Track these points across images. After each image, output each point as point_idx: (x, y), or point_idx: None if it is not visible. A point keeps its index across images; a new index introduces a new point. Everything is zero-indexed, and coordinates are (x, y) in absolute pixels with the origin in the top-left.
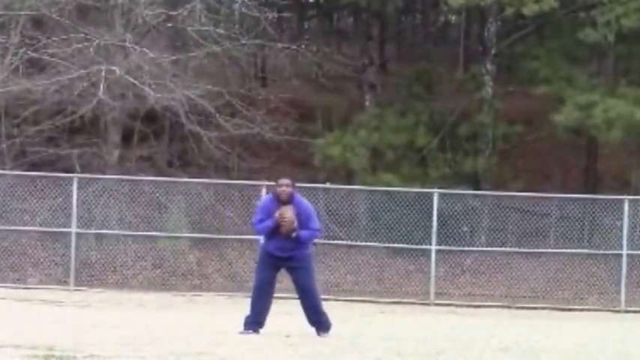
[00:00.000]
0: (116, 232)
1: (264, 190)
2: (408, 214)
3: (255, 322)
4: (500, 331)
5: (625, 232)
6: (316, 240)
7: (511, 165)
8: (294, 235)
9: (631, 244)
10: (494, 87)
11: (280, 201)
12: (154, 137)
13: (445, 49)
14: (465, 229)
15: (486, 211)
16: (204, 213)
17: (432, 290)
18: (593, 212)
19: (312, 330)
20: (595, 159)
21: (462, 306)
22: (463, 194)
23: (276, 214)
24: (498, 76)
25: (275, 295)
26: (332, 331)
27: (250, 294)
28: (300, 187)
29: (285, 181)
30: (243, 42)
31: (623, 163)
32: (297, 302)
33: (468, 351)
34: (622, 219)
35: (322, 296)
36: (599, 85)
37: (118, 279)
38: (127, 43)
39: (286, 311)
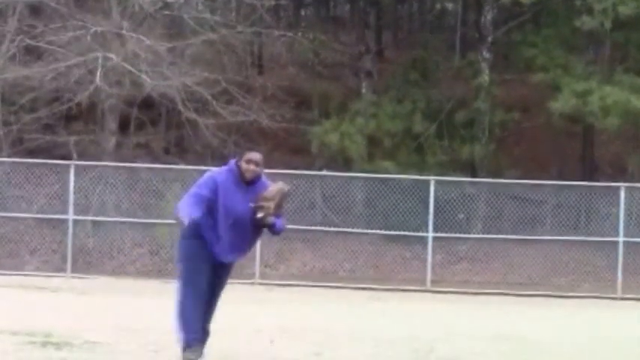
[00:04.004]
0: (113, 219)
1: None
2: (405, 202)
3: None
4: (497, 319)
5: (621, 219)
6: (313, 227)
7: (508, 152)
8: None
9: (627, 231)
10: (491, 74)
11: (243, 181)
12: (151, 124)
13: (442, 37)
14: (462, 216)
15: (483, 199)
16: None
17: (429, 277)
18: (590, 199)
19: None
20: (591, 146)
21: (458, 293)
22: (460, 182)
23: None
24: (495, 63)
25: (274, 282)
26: (326, 320)
27: (246, 281)
28: (297, 175)
29: (256, 155)
30: (240, 29)
31: (620, 150)
32: (296, 290)
33: (464, 338)
34: (618, 206)
35: (319, 284)
36: (596, 73)
37: (114, 266)
38: (123, 31)
39: (284, 299)
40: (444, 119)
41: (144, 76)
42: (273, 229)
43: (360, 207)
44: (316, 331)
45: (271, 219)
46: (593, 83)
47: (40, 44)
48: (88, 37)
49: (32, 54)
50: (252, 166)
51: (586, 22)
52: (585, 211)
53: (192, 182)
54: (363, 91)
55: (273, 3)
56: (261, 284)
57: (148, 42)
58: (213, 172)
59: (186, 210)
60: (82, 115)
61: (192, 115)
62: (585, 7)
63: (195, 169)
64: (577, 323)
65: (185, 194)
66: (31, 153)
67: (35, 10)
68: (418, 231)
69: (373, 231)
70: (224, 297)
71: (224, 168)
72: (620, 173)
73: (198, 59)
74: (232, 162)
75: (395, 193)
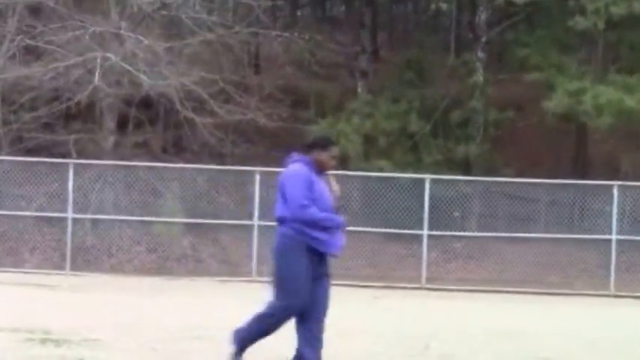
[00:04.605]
0: (112, 217)
1: (257, 176)
2: (401, 200)
3: None
4: (491, 316)
5: (614, 217)
6: None
7: (502, 151)
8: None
9: (620, 229)
10: (485, 74)
11: (318, 172)
12: (149, 123)
13: (437, 37)
14: (457, 214)
15: (477, 197)
16: (199, 198)
17: (424, 275)
18: (583, 198)
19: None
20: (585, 145)
21: (453, 290)
22: (454, 180)
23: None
24: (489, 63)
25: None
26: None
27: (243, 278)
28: None
29: (337, 151)
30: (237, 30)
31: (613, 149)
32: None
33: (460, 335)
34: (611, 204)
35: None
36: (589, 72)
37: (113, 264)
38: (122, 31)
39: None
40: (439, 118)
41: (142, 76)
42: None
43: (357, 205)
44: None
45: None
46: (586, 83)
47: (40, 44)
48: (87, 37)
49: (32, 54)
50: (333, 162)
51: (579, 23)
52: (579, 209)
53: (189, 181)
54: (359, 90)
55: (269, 3)
56: (258, 282)
57: (146, 42)
58: (302, 170)
59: (330, 219)
60: (81, 115)
61: (190, 115)
62: (578, 7)
63: (192, 168)
64: (571, 320)
65: (306, 210)
66: (31, 152)
67: (35, 11)
68: (414, 229)
69: (369, 229)
70: (221, 293)
71: (301, 164)
72: (613, 172)
73: (196, 59)
74: (302, 157)
75: (391, 191)
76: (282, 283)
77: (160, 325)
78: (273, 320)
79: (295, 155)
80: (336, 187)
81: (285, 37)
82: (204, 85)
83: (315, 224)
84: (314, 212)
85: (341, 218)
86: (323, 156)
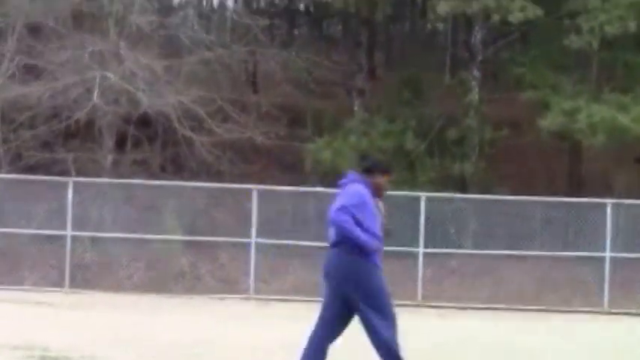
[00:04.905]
0: (110, 234)
1: (255, 194)
2: (396, 218)
3: None
4: (487, 332)
5: (608, 234)
6: (307, 242)
7: (497, 169)
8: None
9: (614, 246)
10: (481, 93)
11: (374, 194)
12: (148, 142)
13: (433, 56)
14: (452, 232)
15: (473, 215)
16: (197, 216)
17: (420, 292)
18: (577, 215)
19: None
20: (579, 163)
21: (448, 308)
22: (450, 198)
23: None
24: (485, 82)
25: (268, 297)
26: None
27: (240, 295)
28: (291, 191)
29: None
30: (235, 48)
31: (606, 167)
32: (291, 305)
33: (458, 353)
34: (605, 222)
35: (313, 298)
36: (584, 91)
37: (112, 281)
38: (120, 50)
39: (280, 314)
40: (435, 137)
41: (140, 95)
42: None
43: None
44: None
45: None
46: (581, 101)
47: (39, 63)
48: (86, 57)
49: (31, 73)
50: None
51: (574, 42)
52: (573, 226)
53: (187, 198)
54: (356, 109)
55: (267, 23)
56: (255, 299)
57: (144, 61)
58: (363, 191)
59: (370, 240)
60: (80, 133)
61: (188, 133)
62: (573, 26)
63: (191, 186)
64: (566, 336)
65: (348, 221)
66: (30, 170)
67: (34, 30)
68: (409, 246)
69: None
70: (219, 310)
71: (362, 186)
72: (607, 190)
73: (194, 78)
74: (362, 179)
75: (387, 209)
76: (375, 302)
77: (159, 343)
78: (392, 339)
79: (353, 175)
80: (382, 207)
81: (283, 55)
82: (202, 103)
83: (349, 234)
84: (349, 220)
85: (376, 241)
86: (382, 180)
